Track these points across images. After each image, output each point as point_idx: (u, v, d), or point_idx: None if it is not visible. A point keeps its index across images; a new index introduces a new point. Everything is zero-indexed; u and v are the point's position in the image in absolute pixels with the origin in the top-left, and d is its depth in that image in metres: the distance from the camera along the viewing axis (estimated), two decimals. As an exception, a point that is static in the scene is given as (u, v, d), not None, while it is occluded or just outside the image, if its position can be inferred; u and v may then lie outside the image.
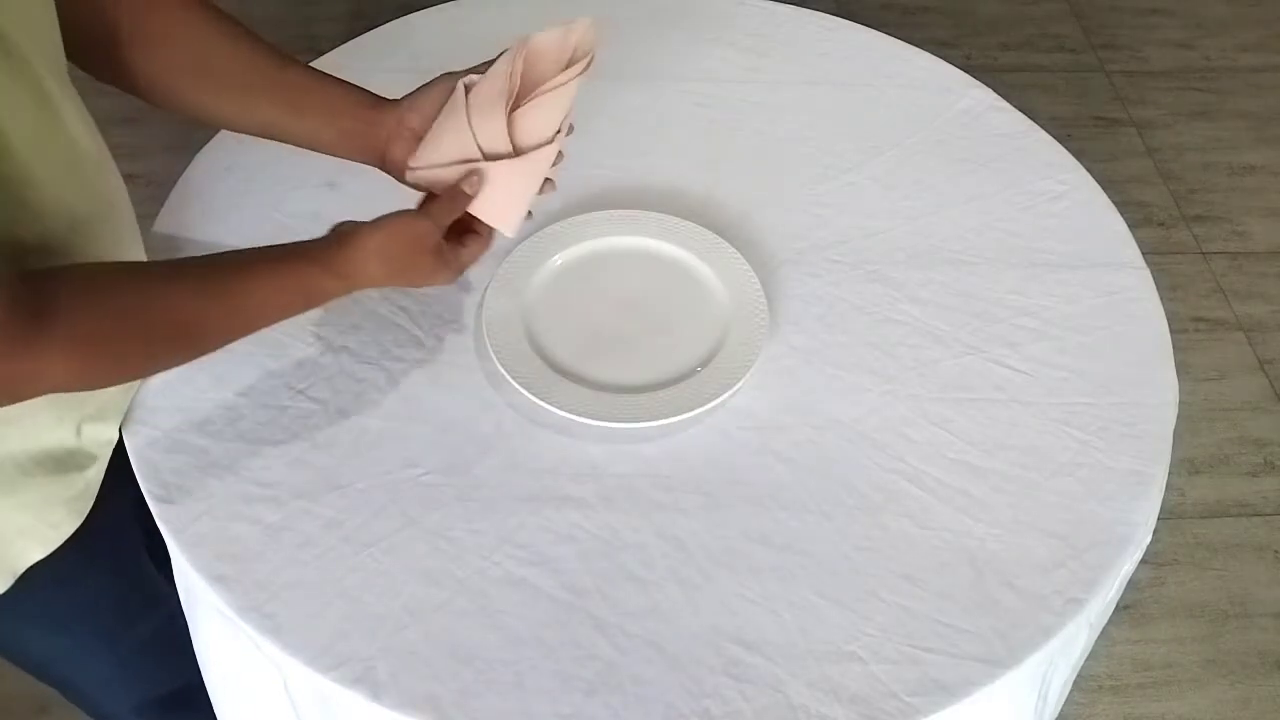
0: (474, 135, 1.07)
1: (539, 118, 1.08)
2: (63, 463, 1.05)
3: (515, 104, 1.07)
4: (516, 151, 1.07)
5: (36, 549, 1.07)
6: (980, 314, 1.25)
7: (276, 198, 1.34)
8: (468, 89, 1.08)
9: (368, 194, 1.34)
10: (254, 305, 0.99)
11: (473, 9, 1.55)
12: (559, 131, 1.09)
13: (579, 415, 1.12)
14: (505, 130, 1.06)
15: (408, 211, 1.06)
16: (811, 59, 1.55)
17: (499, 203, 1.08)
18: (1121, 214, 1.37)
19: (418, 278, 1.06)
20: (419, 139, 1.10)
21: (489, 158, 1.07)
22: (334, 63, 1.34)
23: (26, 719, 1.76)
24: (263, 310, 1.00)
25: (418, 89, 1.11)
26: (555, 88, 1.07)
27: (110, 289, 0.91)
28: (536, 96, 1.07)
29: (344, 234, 1.03)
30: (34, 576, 1.07)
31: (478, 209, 1.08)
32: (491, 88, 1.07)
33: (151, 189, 1.15)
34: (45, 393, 0.91)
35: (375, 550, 1.05)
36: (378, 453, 1.11)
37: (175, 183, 1.34)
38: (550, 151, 1.08)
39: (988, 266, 1.30)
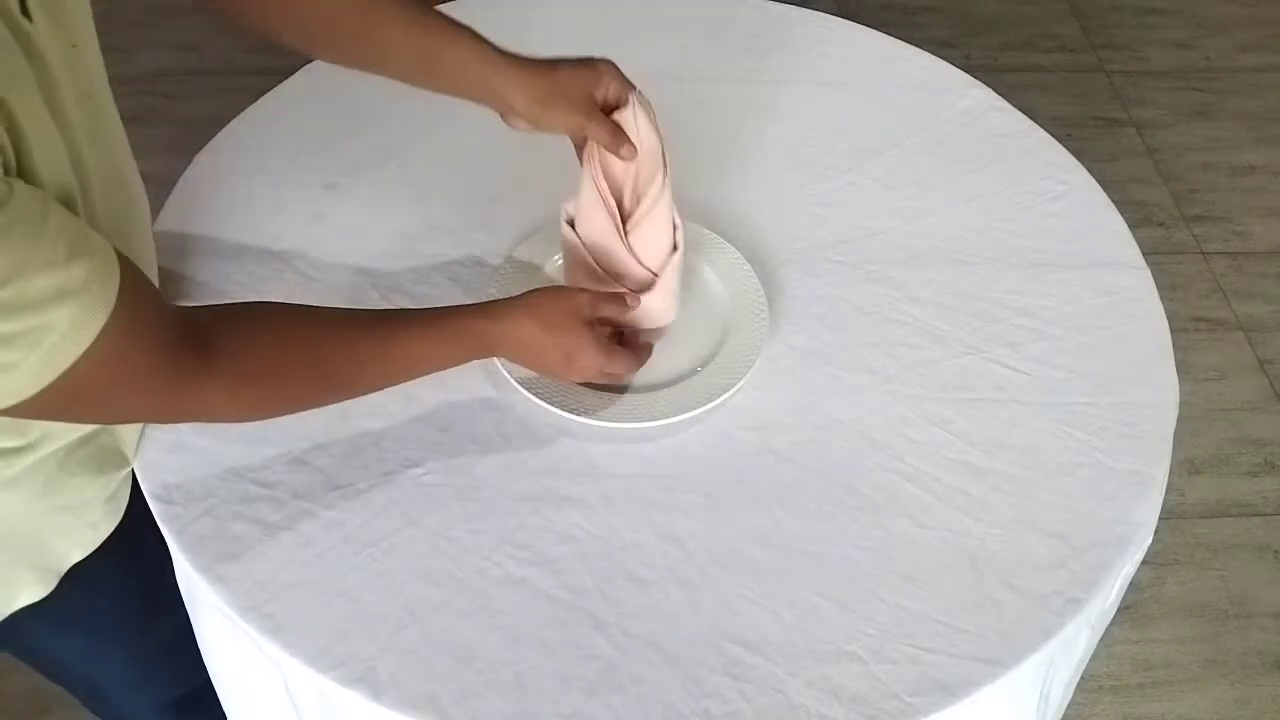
0: (609, 277, 1.15)
1: (654, 235, 1.14)
2: (101, 463, 1.06)
3: (624, 227, 1.13)
4: (654, 272, 1.15)
5: (77, 550, 1.08)
6: (980, 314, 1.25)
7: (277, 199, 1.34)
8: (573, 225, 1.16)
9: (369, 196, 1.35)
10: (414, 352, 1.05)
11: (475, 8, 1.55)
12: (676, 229, 1.15)
13: (579, 415, 1.12)
14: (634, 261, 1.14)
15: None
16: (812, 59, 1.55)
17: (653, 311, 1.16)
18: (1121, 214, 1.37)
19: (570, 345, 1.08)
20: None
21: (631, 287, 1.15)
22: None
23: (29, 719, 1.76)
24: (421, 357, 1.05)
25: (545, 97, 1.10)
26: (653, 204, 1.13)
27: (275, 327, 0.98)
28: (640, 219, 1.13)
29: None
30: (68, 578, 1.08)
31: (637, 320, 1.16)
32: (593, 222, 1.14)
33: (152, 189, 1.15)
34: (209, 420, 0.98)
35: (375, 550, 1.05)
36: (378, 453, 1.11)
37: (176, 183, 1.35)
38: (678, 257, 1.15)
39: (988, 266, 1.30)
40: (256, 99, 1.47)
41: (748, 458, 1.13)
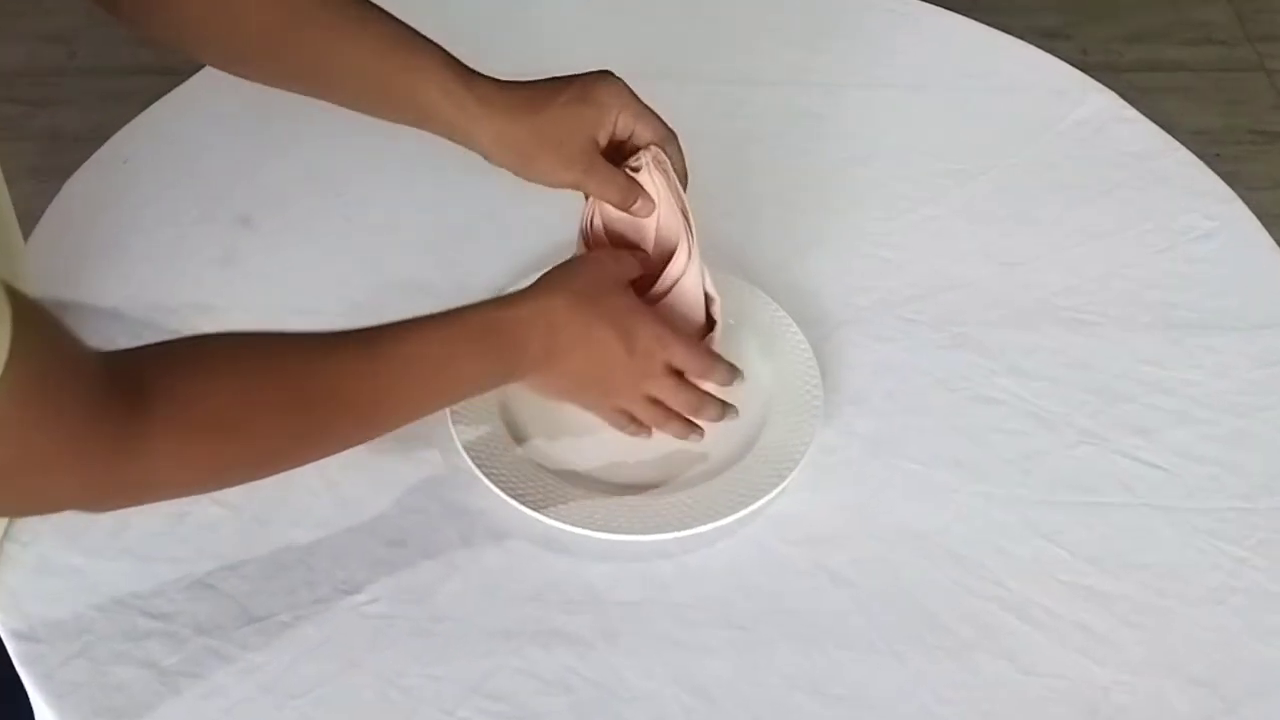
0: None
1: (680, 316, 1.18)
2: None
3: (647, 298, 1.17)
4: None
5: None
6: (1102, 390, 1.27)
7: (175, 238, 1.37)
8: None
9: (295, 234, 1.38)
10: (419, 367, 1.04)
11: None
12: (711, 302, 1.19)
13: (572, 524, 1.14)
14: None
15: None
16: (878, 54, 1.58)
17: None
18: (1287, 257, 1.39)
19: (621, 315, 1.10)
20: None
21: None
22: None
23: None
24: (430, 373, 1.05)
25: (526, 146, 1.14)
26: (676, 279, 1.16)
27: (231, 358, 0.97)
28: (658, 298, 1.17)
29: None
30: None
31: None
32: None
33: (10, 225, 1.18)
34: (155, 495, 0.96)
35: (304, 703, 1.06)
36: (307, 574, 1.13)
37: (40, 216, 1.38)
38: (716, 336, 1.20)
39: (1112, 327, 1.33)
40: (147, 106, 1.51)
41: (794, 580, 1.14)
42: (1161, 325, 1.33)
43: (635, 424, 1.17)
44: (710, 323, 1.20)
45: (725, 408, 1.18)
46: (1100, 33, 3.04)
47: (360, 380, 1.01)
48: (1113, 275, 1.37)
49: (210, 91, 1.51)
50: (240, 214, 1.39)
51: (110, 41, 2.85)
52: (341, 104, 1.18)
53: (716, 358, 1.17)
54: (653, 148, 1.15)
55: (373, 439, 1.05)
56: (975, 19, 1.64)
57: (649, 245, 1.17)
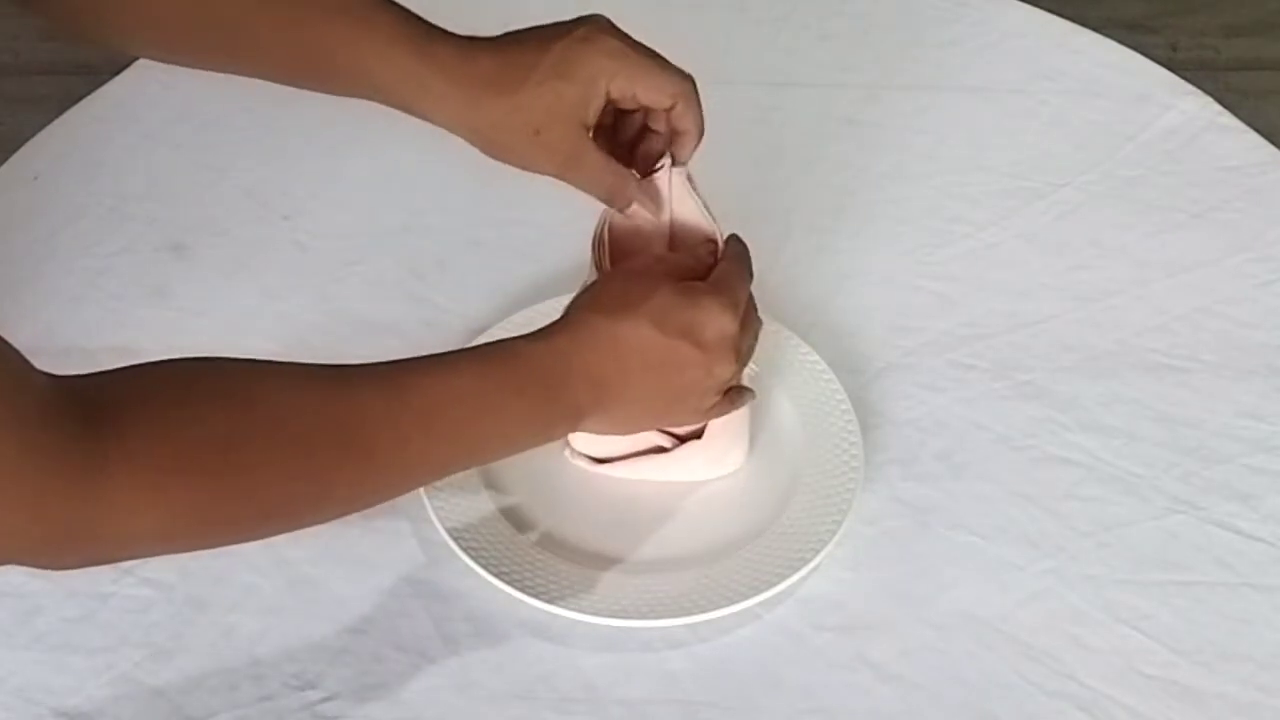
0: None
1: None
2: None
3: None
4: None
5: None
6: (1196, 449, 1.29)
7: (97, 267, 1.40)
8: None
9: (237, 262, 1.40)
10: (449, 405, 1.03)
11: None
12: None
13: (566, 607, 1.15)
14: None
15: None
16: (930, 51, 1.60)
17: (707, 461, 1.25)
18: None
19: (664, 311, 1.08)
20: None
21: None
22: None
23: None
24: (471, 411, 1.04)
25: (496, 129, 1.15)
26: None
27: (217, 381, 0.95)
28: None
29: None
30: None
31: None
32: None
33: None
34: (129, 551, 0.94)
35: (247, 819, 1.08)
36: (251, 667, 1.14)
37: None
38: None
39: (1207, 375, 1.34)
40: (60, 112, 1.53)
41: (830, 674, 1.15)
42: (1264, 371, 1.34)
43: (730, 400, 1.18)
44: None
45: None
46: (1192, 25, 3.05)
47: (377, 422, 1.00)
48: (1207, 313, 1.39)
49: (136, 96, 1.52)
50: (172, 241, 1.41)
51: (19, 37, 2.86)
52: (279, 81, 1.18)
53: (742, 253, 1.18)
54: (676, 167, 1.17)
55: (390, 497, 1.06)
56: (1045, 10, 1.66)
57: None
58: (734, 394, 1.17)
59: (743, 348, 1.13)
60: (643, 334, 1.08)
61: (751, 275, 1.16)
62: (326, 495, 1.00)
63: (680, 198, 1.18)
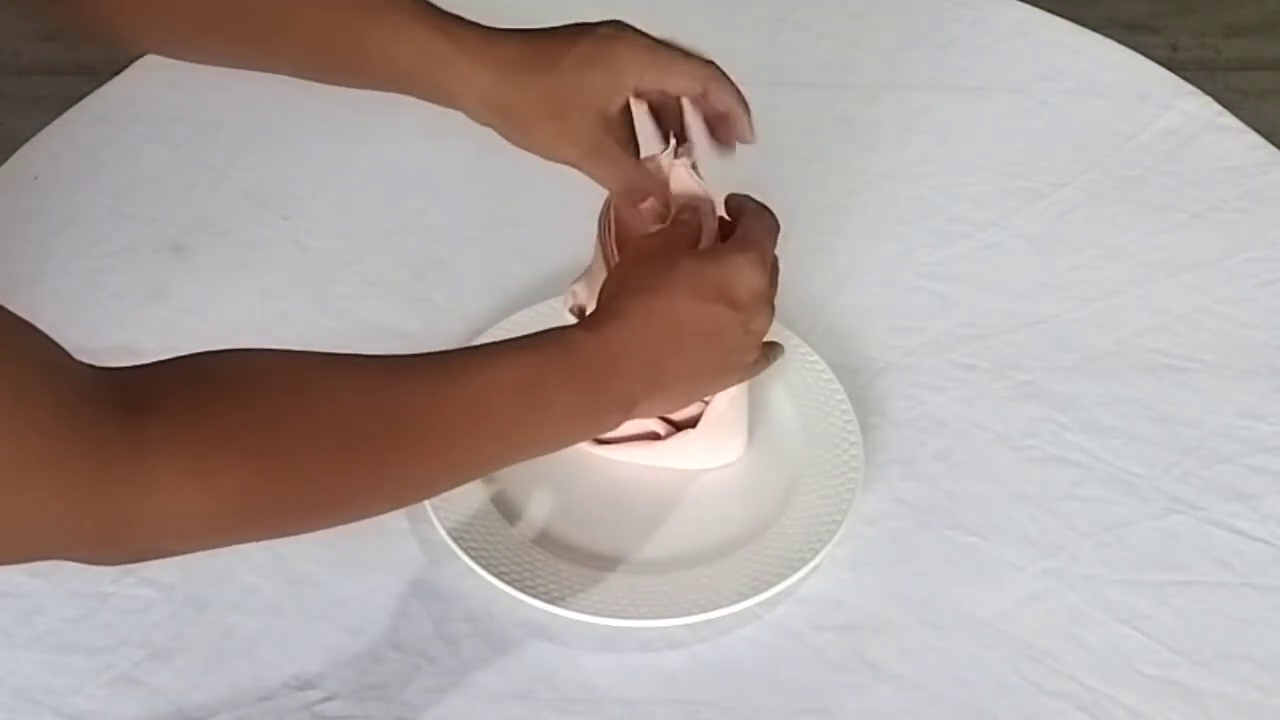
0: None
1: None
2: None
3: None
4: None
5: None
6: (1195, 449, 1.29)
7: (96, 267, 1.40)
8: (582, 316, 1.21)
9: (237, 262, 1.40)
10: (499, 395, 1.01)
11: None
12: None
13: (566, 607, 1.15)
14: None
15: None
16: (930, 51, 1.60)
17: (704, 451, 1.26)
18: None
19: (707, 271, 1.08)
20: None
21: None
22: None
23: None
24: (522, 400, 1.02)
25: (520, 112, 1.15)
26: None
27: (257, 371, 0.93)
28: None
29: None
30: None
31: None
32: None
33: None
34: (176, 545, 0.91)
35: (247, 818, 1.08)
36: (251, 665, 1.14)
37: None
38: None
39: (1207, 375, 1.35)
40: (60, 113, 1.53)
41: (829, 674, 1.15)
42: (1264, 371, 1.35)
43: (765, 357, 1.17)
44: None
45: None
46: (1192, 25, 3.05)
47: (426, 412, 0.98)
48: (1207, 312, 1.39)
49: (136, 96, 1.53)
50: (172, 241, 1.41)
51: (18, 37, 2.86)
52: (300, 74, 1.18)
53: (762, 208, 1.17)
54: (685, 160, 1.17)
55: (440, 490, 1.06)
56: (1045, 10, 1.66)
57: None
58: (767, 349, 1.16)
59: (773, 298, 1.13)
60: (681, 305, 1.07)
61: (778, 227, 1.16)
62: (374, 485, 0.98)
63: (681, 179, 1.17)
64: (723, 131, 1.20)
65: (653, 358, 1.07)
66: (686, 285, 1.07)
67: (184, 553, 0.91)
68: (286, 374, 0.94)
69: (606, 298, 1.10)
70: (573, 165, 1.16)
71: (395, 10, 1.13)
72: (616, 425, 1.10)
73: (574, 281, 1.22)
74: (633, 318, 1.06)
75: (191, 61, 1.20)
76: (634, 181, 1.16)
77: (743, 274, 1.08)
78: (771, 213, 1.16)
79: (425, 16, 1.13)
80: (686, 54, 1.16)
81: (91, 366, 0.86)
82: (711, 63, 1.17)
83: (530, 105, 1.13)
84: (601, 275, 1.17)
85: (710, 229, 1.15)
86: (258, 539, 0.98)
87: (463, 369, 1.01)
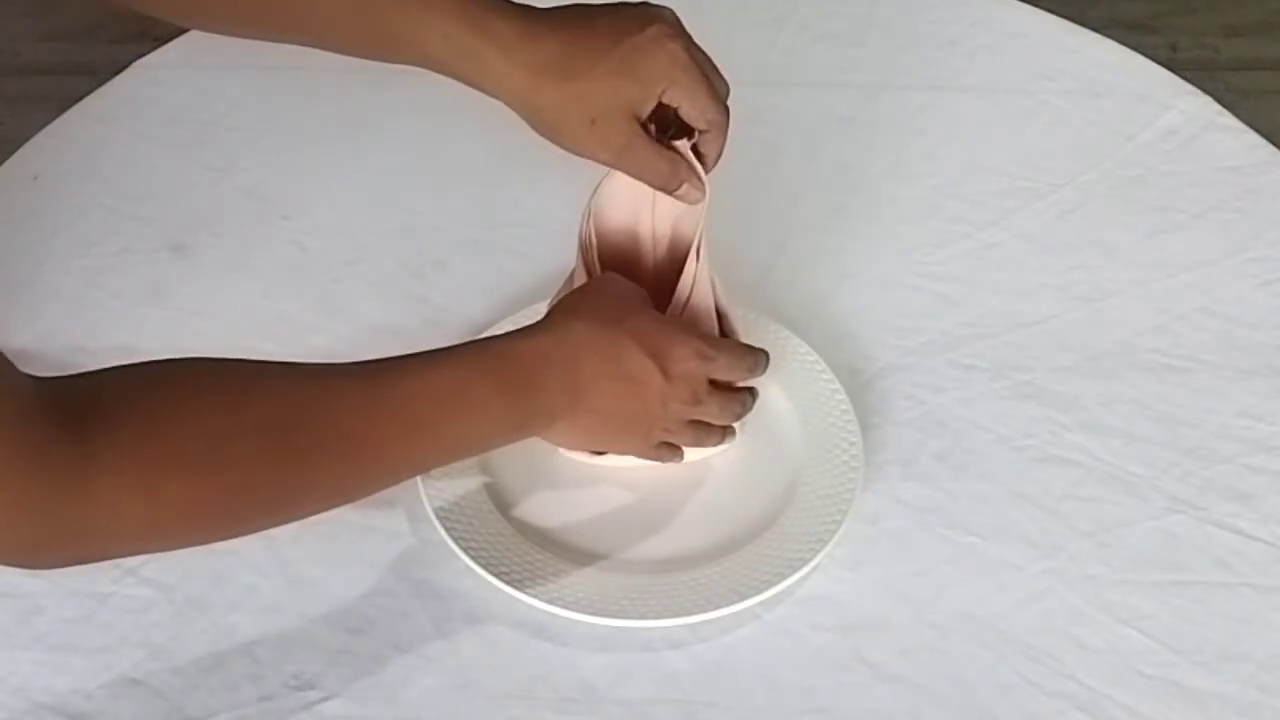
0: None
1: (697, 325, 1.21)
2: None
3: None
4: None
5: None
6: (1195, 449, 1.29)
7: (96, 267, 1.40)
8: None
9: (236, 262, 1.40)
10: (429, 400, 1.04)
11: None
12: (722, 318, 1.23)
13: (566, 607, 1.15)
14: None
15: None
16: (930, 51, 1.60)
17: None
18: None
19: (650, 334, 1.11)
20: None
21: None
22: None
23: None
24: (443, 406, 1.05)
25: (549, 108, 1.15)
26: (689, 291, 1.19)
27: (197, 380, 0.96)
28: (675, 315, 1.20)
29: None
30: None
31: None
32: None
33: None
34: (116, 549, 0.94)
35: (246, 819, 1.08)
36: (251, 666, 1.14)
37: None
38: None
39: (1206, 375, 1.35)
40: (60, 112, 1.53)
41: (829, 674, 1.15)
42: (1264, 371, 1.35)
43: (671, 450, 1.20)
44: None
45: (754, 394, 1.21)
46: (1192, 25, 3.05)
47: (360, 417, 1.01)
48: (1206, 312, 1.39)
49: (136, 96, 1.53)
50: (172, 241, 1.41)
51: (18, 35, 2.85)
52: (339, 51, 1.19)
53: (748, 348, 1.20)
54: (684, 142, 1.17)
55: (375, 490, 1.06)
56: (1045, 10, 1.66)
57: (658, 250, 1.20)
58: (668, 450, 1.19)
59: (706, 403, 1.16)
60: (623, 344, 1.10)
61: (749, 370, 1.19)
62: (310, 489, 1.01)
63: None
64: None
65: (577, 380, 1.10)
66: (634, 331, 1.11)
67: (121, 557, 0.97)
68: (227, 384, 0.96)
69: (558, 310, 1.13)
70: (604, 164, 1.17)
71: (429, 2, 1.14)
72: (536, 433, 1.13)
73: (558, 293, 1.22)
74: (572, 337, 1.10)
75: (218, 33, 1.21)
76: (668, 175, 1.16)
77: (685, 353, 1.13)
78: (754, 359, 1.19)
79: (461, 6, 1.13)
80: (711, 89, 1.16)
81: (35, 379, 0.88)
82: (726, 111, 1.17)
83: (562, 109, 1.14)
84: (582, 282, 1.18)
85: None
86: (196, 544, 1.01)
87: (396, 375, 1.04)
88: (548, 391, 1.10)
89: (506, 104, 1.16)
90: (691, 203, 1.17)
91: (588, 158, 1.17)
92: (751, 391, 1.20)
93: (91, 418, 0.87)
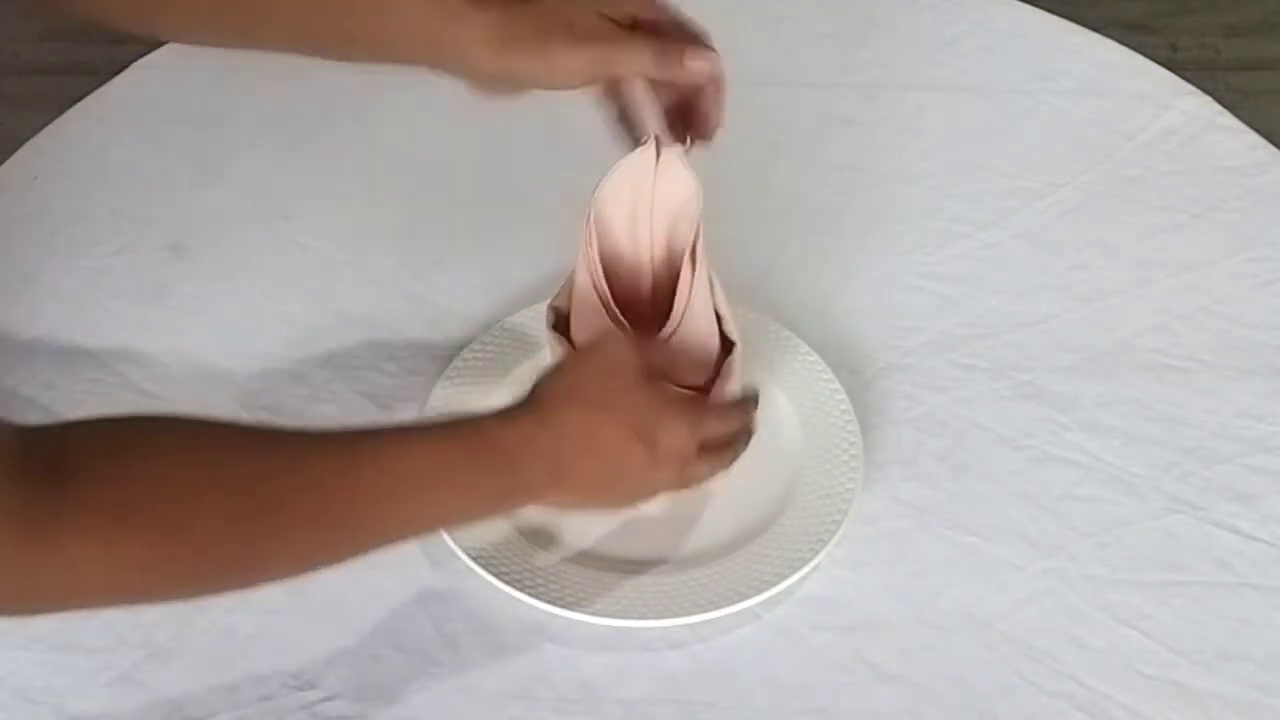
0: None
1: (693, 339, 1.20)
2: None
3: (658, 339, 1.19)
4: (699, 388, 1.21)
5: None
6: (1195, 449, 1.30)
7: (95, 267, 1.40)
8: (566, 331, 1.21)
9: (236, 262, 1.40)
10: (401, 477, 1.02)
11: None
12: (721, 320, 1.21)
13: (565, 607, 1.16)
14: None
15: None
16: (929, 51, 1.61)
17: None
18: None
19: (640, 414, 1.10)
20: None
21: None
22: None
23: None
24: (414, 485, 1.03)
25: (516, 34, 1.12)
26: (688, 296, 1.18)
27: (173, 439, 0.95)
28: (675, 325, 1.18)
29: None
30: None
31: None
32: (595, 325, 1.19)
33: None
34: (84, 603, 0.92)
35: (246, 820, 1.08)
36: (251, 666, 1.14)
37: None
38: (736, 360, 1.21)
39: (1206, 375, 1.35)
40: (60, 113, 1.54)
41: (829, 674, 1.15)
42: (1264, 371, 1.35)
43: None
44: (726, 344, 1.21)
45: (750, 434, 1.20)
46: (1192, 25, 3.05)
47: (335, 491, 0.99)
48: (1206, 313, 1.39)
49: (136, 96, 1.53)
50: (171, 241, 1.41)
51: (17, 36, 2.86)
52: (286, 48, 1.16)
53: (738, 403, 1.20)
54: (679, 147, 1.16)
55: (346, 560, 1.03)
56: (1045, 10, 1.66)
57: (654, 251, 1.19)
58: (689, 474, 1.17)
59: (694, 468, 1.15)
60: (608, 428, 1.09)
61: (746, 433, 1.18)
62: (276, 558, 0.99)
63: (673, 164, 1.16)
64: (692, 122, 1.18)
65: (558, 460, 1.08)
66: (622, 415, 1.09)
67: (84, 610, 0.94)
68: (200, 445, 0.95)
69: (547, 392, 1.10)
70: (596, 65, 1.13)
71: None
72: (521, 507, 1.11)
73: (554, 299, 1.21)
74: (555, 419, 1.08)
75: (182, 43, 1.20)
76: (659, 53, 1.13)
77: (675, 431, 1.11)
78: (744, 413, 1.19)
79: None
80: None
81: (16, 427, 0.88)
82: (713, 50, 1.16)
83: (538, 25, 1.11)
84: (587, 289, 1.17)
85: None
86: (159, 603, 1.02)
87: (373, 449, 1.02)
88: (530, 475, 1.07)
89: (482, 63, 1.12)
90: (698, 74, 1.14)
91: (575, 70, 1.12)
92: (744, 437, 1.19)
93: (62, 471, 0.87)
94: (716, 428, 1.15)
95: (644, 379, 1.12)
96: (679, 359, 1.19)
